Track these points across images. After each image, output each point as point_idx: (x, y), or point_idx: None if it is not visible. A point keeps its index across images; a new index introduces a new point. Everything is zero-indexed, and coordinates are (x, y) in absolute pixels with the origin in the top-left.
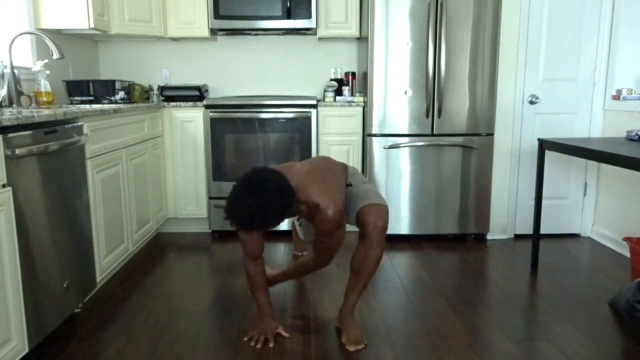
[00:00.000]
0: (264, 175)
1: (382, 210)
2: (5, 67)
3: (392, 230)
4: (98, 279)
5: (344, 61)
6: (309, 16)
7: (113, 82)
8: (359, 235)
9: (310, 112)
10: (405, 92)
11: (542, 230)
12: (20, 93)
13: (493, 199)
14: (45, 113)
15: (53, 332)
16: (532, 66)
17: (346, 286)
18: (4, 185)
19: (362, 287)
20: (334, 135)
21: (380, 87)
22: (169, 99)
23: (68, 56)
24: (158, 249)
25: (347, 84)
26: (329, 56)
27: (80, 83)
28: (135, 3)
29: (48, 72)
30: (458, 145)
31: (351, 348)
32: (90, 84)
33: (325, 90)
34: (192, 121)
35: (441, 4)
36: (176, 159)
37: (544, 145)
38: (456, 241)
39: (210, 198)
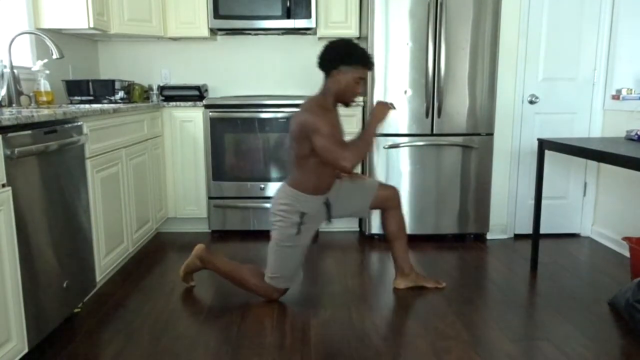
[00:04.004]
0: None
1: (387, 184)
2: (5, 66)
3: None
4: (98, 278)
5: None
6: (308, 16)
7: (113, 81)
8: (381, 212)
9: None
10: (405, 92)
11: (542, 230)
12: (19, 93)
13: (493, 198)
14: (44, 113)
15: (53, 332)
16: (532, 66)
17: (397, 254)
18: (3, 185)
19: (407, 246)
20: None
21: (380, 87)
22: (168, 98)
23: (68, 56)
24: (158, 249)
25: None
26: None
27: (79, 83)
28: (135, 3)
29: (48, 71)
30: (458, 145)
31: (442, 286)
32: (90, 83)
33: None
34: (191, 121)
35: (441, 4)
36: (176, 158)
37: (544, 145)
38: (456, 241)
39: (210, 198)
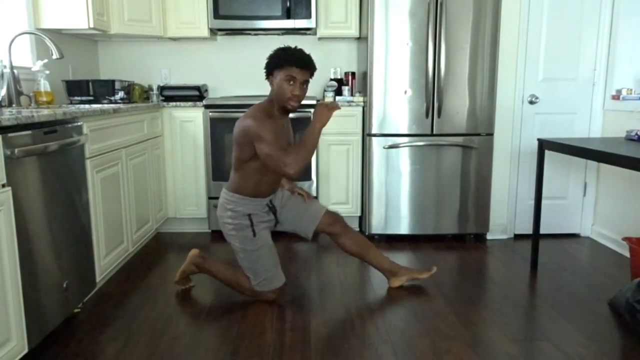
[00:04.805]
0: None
1: (328, 211)
2: (5, 67)
3: (392, 230)
4: (98, 279)
5: (343, 61)
6: (308, 16)
7: (113, 82)
8: (332, 240)
9: (310, 112)
10: (405, 92)
11: (542, 230)
12: (19, 93)
13: (493, 198)
14: (44, 113)
15: (53, 332)
16: (532, 66)
17: (376, 264)
18: (3, 185)
19: (378, 251)
20: (334, 135)
21: (380, 87)
22: (168, 98)
23: (68, 56)
24: (158, 249)
25: (347, 84)
26: (329, 56)
27: (79, 83)
28: (135, 3)
29: (47, 72)
30: (458, 145)
31: (433, 271)
32: (90, 83)
33: (325, 90)
34: (191, 121)
35: (441, 4)
36: (176, 159)
37: (544, 145)
38: (456, 241)
39: (209, 198)
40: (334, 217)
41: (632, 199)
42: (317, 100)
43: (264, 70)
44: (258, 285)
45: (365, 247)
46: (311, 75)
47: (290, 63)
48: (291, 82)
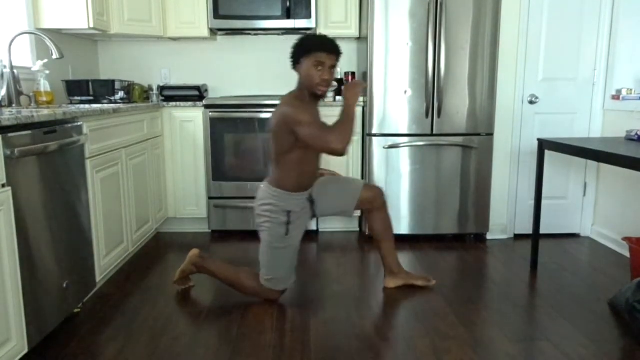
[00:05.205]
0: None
1: (371, 184)
2: (5, 66)
3: None
4: (98, 278)
5: (343, 61)
6: (308, 16)
7: (113, 82)
8: (366, 213)
9: None
10: (405, 92)
11: (542, 230)
12: (19, 93)
13: (493, 198)
14: (44, 113)
15: (53, 332)
16: (532, 66)
17: (384, 254)
18: (3, 185)
19: (395, 246)
20: None
21: (380, 87)
22: (168, 98)
23: (68, 56)
24: (158, 249)
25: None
26: None
27: (79, 83)
28: (135, 3)
29: (47, 72)
30: (458, 145)
31: (431, 283)
32: (90, 83)
33: None
34: (191, 121)
35: (441, 4)
36: (176, 159)
37: (544, 145)
38: (456, 241)
39: (210, 198)
40: (377, 192)
41: (632, 199)
42: None
43: (290, 60)
44: (267, 281)
45: (386, 235)
46: (337, 59)
47: (317, 48)
48: (319, 68)
